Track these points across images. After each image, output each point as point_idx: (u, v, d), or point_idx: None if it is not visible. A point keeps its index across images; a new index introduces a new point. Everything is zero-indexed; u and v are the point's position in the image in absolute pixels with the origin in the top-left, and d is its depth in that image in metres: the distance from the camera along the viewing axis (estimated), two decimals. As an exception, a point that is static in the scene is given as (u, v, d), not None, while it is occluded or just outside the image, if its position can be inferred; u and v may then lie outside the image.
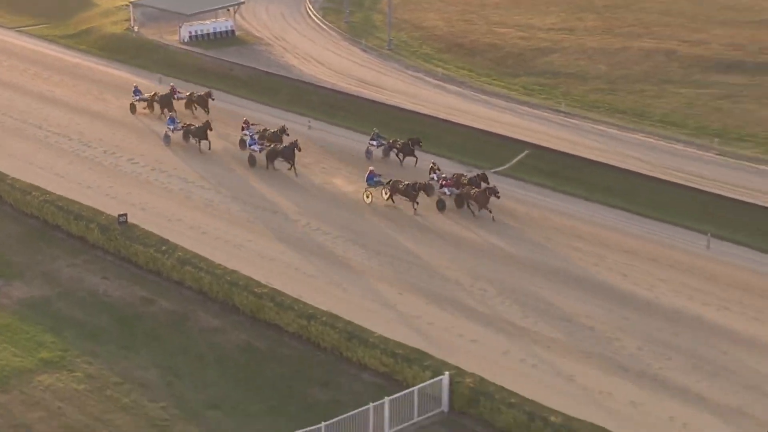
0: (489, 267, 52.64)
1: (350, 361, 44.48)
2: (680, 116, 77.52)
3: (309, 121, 73.91)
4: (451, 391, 41.13)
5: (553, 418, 38.76)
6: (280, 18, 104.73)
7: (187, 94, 76.22)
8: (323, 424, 38.21)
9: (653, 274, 52.23)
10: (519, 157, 68.07)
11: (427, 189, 59.37)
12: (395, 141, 66.65)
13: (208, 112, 74.76)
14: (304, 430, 37.88)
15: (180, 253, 51.34)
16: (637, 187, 62.98)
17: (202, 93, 76.00)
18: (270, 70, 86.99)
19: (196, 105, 75.56)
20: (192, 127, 68.67)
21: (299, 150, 64.00)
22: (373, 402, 39.51)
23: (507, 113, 77.65)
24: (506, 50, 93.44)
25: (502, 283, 51.00)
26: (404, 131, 69.29)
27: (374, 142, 67.53)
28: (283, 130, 67.14)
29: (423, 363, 42.12)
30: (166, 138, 70.10)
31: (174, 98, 75.38)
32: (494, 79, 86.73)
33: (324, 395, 42.42)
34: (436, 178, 61.18)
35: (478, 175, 60.62)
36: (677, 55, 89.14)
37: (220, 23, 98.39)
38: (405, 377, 42.26)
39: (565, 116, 77.39)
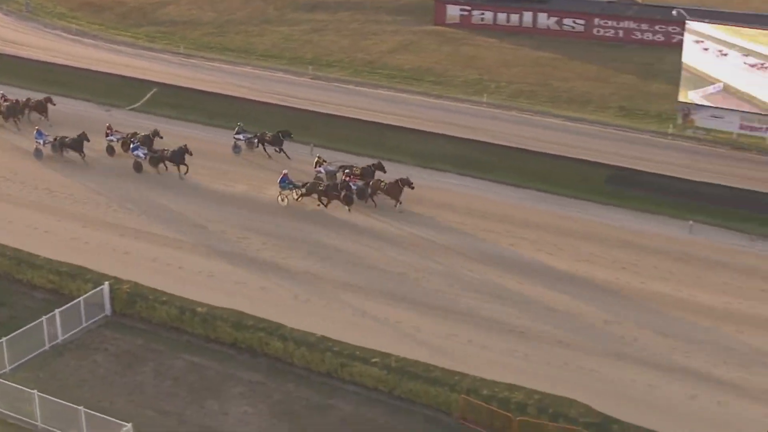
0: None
1: (22, 283, 45.35)
2: (279, 50, 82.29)
3: None
4: (112, 298, 43.05)
5: (200, 309, 41.87)
6: None
7: (24, 100, 63.94)
8: (4, 339, 39.15)
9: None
10: (149, 95, 70.07)
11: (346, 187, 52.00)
12: (264, 133, 58.99)
13: (47, 117, 63.77)
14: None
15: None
16: (245, 108, 66.87)
17: (41, 98, 64.08)
18: None
19: (32, 111, 63.83)
20: (67, 139, 57.96)
21: (190, 154, 55.69)
22: (45, 315, 40.84)
23: (136, 59, 79.17)
24: (130, 5, 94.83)
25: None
26: (40, 81, 69.45)
27: (240, 136, 59.76)
28: (155, 134, 58.24)
29: (85, 277, 44.04)
30: (38, 152, 59.16)
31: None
32: (122, 31, 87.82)
33: (1, 315, 42.92)
34: (324, 171, 54.45)
35: (371, 165, 54.02)
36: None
37: None
38: (71, 291, 43.78)
39: (184, 57, 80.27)
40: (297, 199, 52.63)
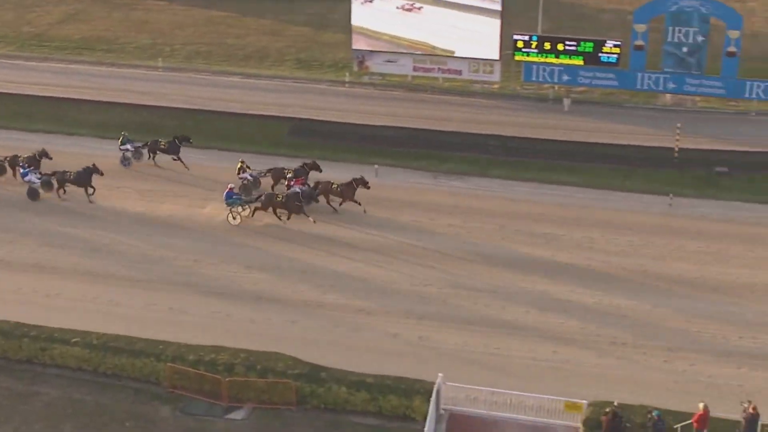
0: None
1: None
2: None
3: None
4: None
5: None
6: None
7: None
8: None
9: None
10: None
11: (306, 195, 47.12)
12: (156, 141, 52.52)
13: None
14: None
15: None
16: None
17: None
18: None
19: None
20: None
21: (101, 174, 49.27)
22: None
23: None
24: None
25: None
26: None
27: (128, 146, 52.89)
28: (43, 154, 50.63)
29: None
30: None
31: None
32: None
33: None
34: (250, 177, 49.36)
35: (304, 164, 49.56)
36: None
37: None
38: None
39: None
40: (251, 215, 47.04)
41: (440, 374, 32.50)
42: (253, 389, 34.46)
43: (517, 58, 62.90)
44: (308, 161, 49.87)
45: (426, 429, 30.98)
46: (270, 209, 46.55)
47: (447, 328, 38.28)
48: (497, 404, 32.01)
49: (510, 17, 63.19)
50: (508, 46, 62.28)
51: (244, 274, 42.60)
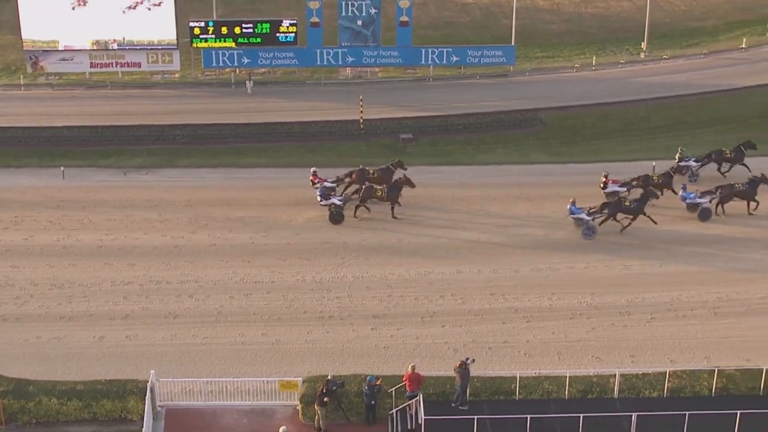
0: None
1: None
2: None
3: None
4: None
5: None
6: None
7: None
8: None
9: None
10: None
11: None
12: None
13: None
14: None
15: None
16: None
17: None
18: None
19: None
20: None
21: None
22: None
23: None
24: None
25: None
26: None
27: None
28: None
29: None
30: None
31: None
32: None
33: None
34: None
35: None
36: None
37: None
38: None
39: None
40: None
41: (152, 371, 32.19)
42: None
43: (195, 45, 62.74)
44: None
45: (144, 428, 30.64)
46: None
47: (154, 323, 37.88)
48: (214, 393, 32.07)
49: (183, 5, 62.90)
50: (185, 34, 61.98)
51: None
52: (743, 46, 72.94)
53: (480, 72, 65.74)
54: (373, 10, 62.30)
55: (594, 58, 69.59)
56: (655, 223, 44.71)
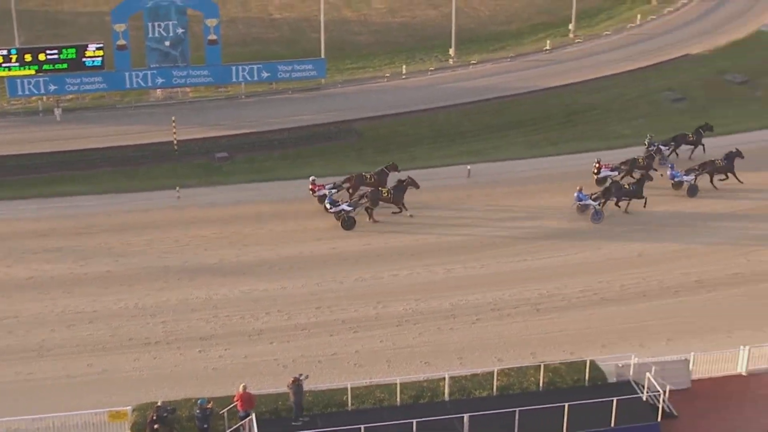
0: None
1: None
2: None
3: None
4: None
5: None
6: None
7: None
8: None
9: None
10: None
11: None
12: None
13: None
14: None
15: None
16: None
17: None
18: None
19: None
20: None
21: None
22: None
23: None
24: None
25: None
26: None
27: None
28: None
29: None
30: None
31: None
32: None
33: None
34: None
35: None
36: None
37: None
38: None
39: None
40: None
41: (-28, 413, 31.12)
42: None
43: (-2, 74, 60.93)
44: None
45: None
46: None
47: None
48: (41, 430, 31.21)
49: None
50: (-16, 62, 60.04)
51: None
52: (548, 47, 75.61)
53: (293, 87, 66.06)
54: (180, 30, 61.80)
55: (404, 66, 70.83)
56: (645, 206, 48.16)
